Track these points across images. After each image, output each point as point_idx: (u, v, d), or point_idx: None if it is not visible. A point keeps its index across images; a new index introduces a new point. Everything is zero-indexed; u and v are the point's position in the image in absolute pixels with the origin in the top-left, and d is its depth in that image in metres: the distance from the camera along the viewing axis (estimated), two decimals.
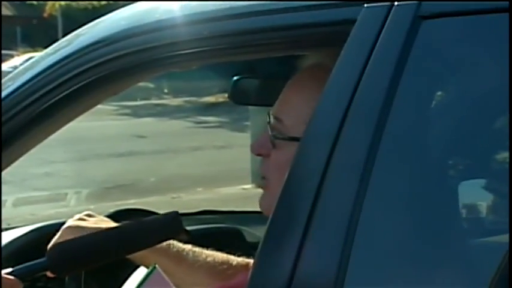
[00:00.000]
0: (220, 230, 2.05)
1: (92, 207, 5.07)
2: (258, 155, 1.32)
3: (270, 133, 1.30)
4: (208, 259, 1.52)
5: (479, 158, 1.02)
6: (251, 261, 1.47)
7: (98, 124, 9.39)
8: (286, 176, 1.09)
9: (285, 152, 1.26)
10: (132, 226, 1.31)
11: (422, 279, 0.98)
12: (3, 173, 1.39)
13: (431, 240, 0.99)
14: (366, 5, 1.09)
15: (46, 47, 1.49)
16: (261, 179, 1.32)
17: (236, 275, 1.43)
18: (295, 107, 1.28)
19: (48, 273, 1.38)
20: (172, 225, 1.29)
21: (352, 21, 1.08)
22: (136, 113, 13.03)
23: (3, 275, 1.22)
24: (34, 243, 1.72)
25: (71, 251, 1.25)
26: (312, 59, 1.33)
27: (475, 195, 1.00)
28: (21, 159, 1.44)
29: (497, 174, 0.99)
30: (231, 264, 1.52)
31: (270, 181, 1.30)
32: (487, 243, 0.99)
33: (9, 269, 1.25)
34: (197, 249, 1.52)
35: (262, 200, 1.32)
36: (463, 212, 1.00)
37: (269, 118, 1.31)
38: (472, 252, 0.99)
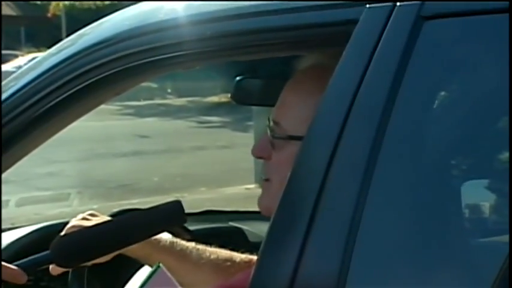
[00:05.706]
0: (224, 230, 2.05)
1: (95, 206, 5.08)
2: (259, 157, 1.33)
3: (269, 134, 1.30)
4: (212, 256, 1.52)
5: (481, 158, 1.02)
6: (254, 257, 1.48)
7: (101, 124, 9.39)
8: (287, 176, 1.09)
9: (284, 152, 1.27)
10: (134, 216, 1.31)
11: (424, 280, 0.98)
12: (6, 173, 1.40)
13: (434, 241, 0.99)
14: (368, 6, 1.09)
15: (50, 47, 1.49)
16: (263, 180, 1.33)
17: (239, 273, 1.43)
18: (292, 108, 1.28)
19: (51, 270, 1.38)
20: (174, 212, 1.29)
21: (354, 22, 1.09)
22: (139, 112, 13.03)
23: (7, 265, 1.23)
24: (38, 242, 1.72)
25: (74, 243, 1.25)
26: (307, 59, 1.33)
27: (477, 195, 1.00)
28: (25, 158, 1.44)
29: (500, 174, 0.99)
30: (235, 262, 1.53)
31: (272, 182, 1.30)
32: (489, 244, 0.98)
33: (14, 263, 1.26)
34: (201, 246, 1.53)
35: (261, 200, 1.32)
36: (466, 212, 1.00)
37: (269, 121, 1.32)
38: (474, 253, 0.99)
